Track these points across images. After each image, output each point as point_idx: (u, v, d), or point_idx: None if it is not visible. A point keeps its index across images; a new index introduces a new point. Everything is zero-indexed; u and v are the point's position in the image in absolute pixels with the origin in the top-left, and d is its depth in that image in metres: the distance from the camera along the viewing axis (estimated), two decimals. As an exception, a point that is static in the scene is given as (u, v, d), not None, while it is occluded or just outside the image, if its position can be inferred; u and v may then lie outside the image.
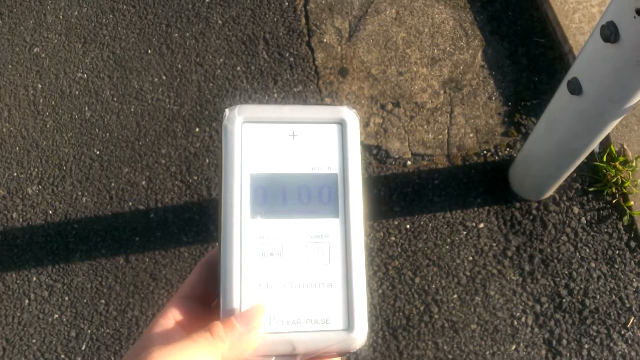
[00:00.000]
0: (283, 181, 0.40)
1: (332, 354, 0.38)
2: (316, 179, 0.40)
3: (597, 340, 1.39)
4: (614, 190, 1.53)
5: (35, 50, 1.79)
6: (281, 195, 0.40)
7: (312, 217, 0.40)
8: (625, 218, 1.50)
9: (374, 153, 1.62)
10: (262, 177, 0.40)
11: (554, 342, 1.39)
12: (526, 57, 1.75)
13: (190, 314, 0.39)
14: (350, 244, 0.39)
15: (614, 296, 1.43)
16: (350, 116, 0.42)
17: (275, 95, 1.71)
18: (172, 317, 0.38)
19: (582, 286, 1.44)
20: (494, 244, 1.50)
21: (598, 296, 1.43)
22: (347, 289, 0.39)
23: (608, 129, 1.13)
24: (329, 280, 0.39)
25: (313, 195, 0.40)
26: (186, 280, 0.42)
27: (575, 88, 1.03)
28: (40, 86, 1.73)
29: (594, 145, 1.22)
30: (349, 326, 0.38)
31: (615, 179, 1.51)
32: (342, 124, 0.42)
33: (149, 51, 1.78)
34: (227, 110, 0.41)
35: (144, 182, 1.60)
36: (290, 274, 0.39)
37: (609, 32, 0.86)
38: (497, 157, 1.61)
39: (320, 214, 0.40)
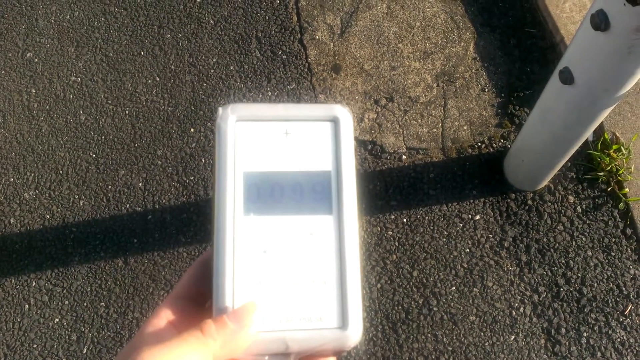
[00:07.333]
0: (276, 179, 0.40)
1: (327, 353, 0.38)
2: (309, 176, 0.40)
3: (596, 328, 1.40)
4: (608, 178, 1.53)
5: (28, 55, 1.78)
6: (274, 193, 0.40)
7: (306, 214, 0.39)
8: (621, 205, 1.51)
9: (369, 148, 1.63)
10: (255, 174, 0.40)
11: (553, 331, 1.40)
12: (518, 48, 1.75)
13: (183, 313, 0.39)
14: (344, 241, 0.39)
15: (611, 284, 1.44)
16: (344, 114, 0.41)
17: (269, 93, 1.71)
18: (164, 317, 0.38)
19: (579, 275, 1.45)
20: (491, 235, 1.50)
21: (595, 284, 1.44)
22: (342, 287, 0.38)
23: (601, 118, 1.14)
24: (323, 277, 0.38)
25: (306, 193, 0.40)
26: (180, 280, 0.42)
27: (567, 78, 1.04)
28: (34, 91, 1.73)
29: (588, 134, 1.22)
30: (343, 324, 0.37)
31: (610, 166, 1.52)
32: (335, 121, 0.41)
33: (142, 53, 1.78)
34: (220, 109, 0.41)
35: (140, 184, 1.60)
36: (284, 272, 0.38)
37: (599, 21, 0.86)
38: (491, 149, 1.61)
39: (314, 211, 0.39)
